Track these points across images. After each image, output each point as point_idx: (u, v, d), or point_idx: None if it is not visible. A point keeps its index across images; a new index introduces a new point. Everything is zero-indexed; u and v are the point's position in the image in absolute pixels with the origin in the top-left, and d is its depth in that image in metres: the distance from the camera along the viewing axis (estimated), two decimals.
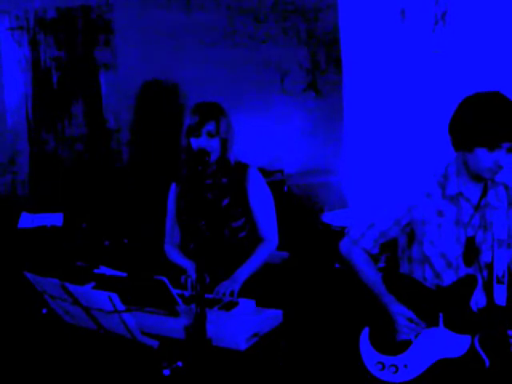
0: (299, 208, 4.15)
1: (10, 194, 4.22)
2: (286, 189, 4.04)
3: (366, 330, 2.47)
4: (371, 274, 2.49)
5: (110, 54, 4.15)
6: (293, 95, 4.28)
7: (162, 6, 4.13)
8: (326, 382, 2.83)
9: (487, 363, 2.28)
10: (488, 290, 2.42)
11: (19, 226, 3.69)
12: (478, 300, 2.40)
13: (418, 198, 2.42)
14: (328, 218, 3.82)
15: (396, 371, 2.38)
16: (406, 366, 2.38)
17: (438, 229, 2.41)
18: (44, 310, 2.45)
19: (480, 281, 2.37)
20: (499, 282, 2.37)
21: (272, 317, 2.42)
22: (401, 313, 2.39)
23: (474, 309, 2.34)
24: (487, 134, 2.21)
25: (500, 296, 2.37)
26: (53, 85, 4.16)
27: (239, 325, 2.29)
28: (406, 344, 2.40)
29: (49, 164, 4.22)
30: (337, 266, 3.63)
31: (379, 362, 2.41)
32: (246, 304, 2.47)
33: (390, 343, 2.42)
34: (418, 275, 2.48)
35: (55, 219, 3.71)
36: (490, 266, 2.41)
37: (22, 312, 2.90)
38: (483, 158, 2.25)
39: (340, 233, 3.63)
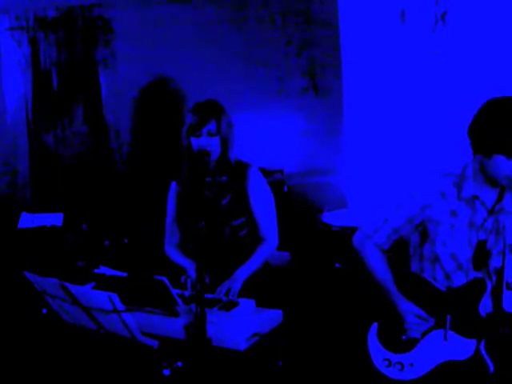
0: (299, 208, 4.15)
1: (10, 194, 4.21)
2: (286, 189, 4.04)
3: (375, 325, 2.48)
4: (382, 271, 2.48)
5: (110, 53, 4.15)
6: (293, 95, 4.27)
7: (162, 5, 4.13)
8: (326, 381, 2.84)
9: (491, 369, 2.28)
10: (496, 295, 2.40)
11: (19, 226, 3.69)
12: (486, 305, 2.39)
13: (432, 197, 2.40)
14: (328, 218, 3.82)
15: (402, 369, 2.39)
16: (411, 364, 2.39)
17: (451, 230, 2.40)
18: (44, 310, 2.45)
19: (489, 285, 2.36)
20: (509, 288, 2.35)
21: (272, 317, 2.42)
22: (410, 310, 2.39)
23: (483, 313, 2.34)
24: (506, 142, 2.16)
25: (509, 303, 2.35)
26: (52, 85, 4.16)
27: (239, 325, 2.29)
28: (413, 343, 2.40)
29: (49, 164, 4.22)
30: (337, 265, 3.63)
31: (386, 359, 2.42)
32: (246, 304, 2.47)
33: (398, 341, 2.42)
34: (429, 274, 2.48)
35: (55, 219, 3.71)
36: (499, 272, 2.39)
37: (22, 312, 2.90)
38: (501, 165, 2.21)
39: (340, 233, 3.64)
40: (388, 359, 2.42)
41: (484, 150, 2.24)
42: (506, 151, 2.18)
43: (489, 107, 2.26)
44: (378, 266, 2.49)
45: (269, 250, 2.97)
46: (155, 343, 2.19)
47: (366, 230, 2.53)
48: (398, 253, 2.63)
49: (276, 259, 3.10)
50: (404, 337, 2.42)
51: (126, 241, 3.76)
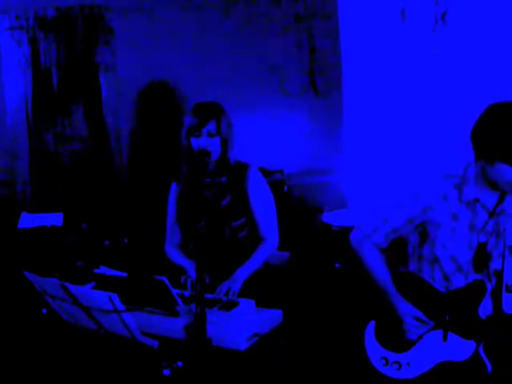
0: (299, 208, 4.15)
1: (10, 194, 4.21)
2: (286, 189, 4.04)
3: (372, 324, 2.47)
4: (381, 271, 2.47)
5: (110, 54, 4.15)
6: (293, 95, 4.27)
7: (161, 5, 4.13)
8: (326, 381, 2.83)
9: (489, 370, 2.28)
10: (495, 297, 2.40)
11: (19, 226, 3.69)
12: (485, 307, 2.39)
13: (433, 199, 2.39)
14: (328, 218, 3.83)
15: (399, 368, 2.39)
16: (408, 364, 2.39)
17: (452, 232, 2.39)
18: (44, 310, 2.44)
19: (489, 288, 2.36)
20: (508, 290, 2.35)
21: (272, 317, 2.42)
22: (409, 312, 2.38)
23: (482, 315, 2.34)
24: (510, 151, 2.14)
25: (509, 305, 2.34)
26: (52, 85, 4.16)
27: (239, 325, 2.29)
28: (411, 343, 2.40)
29: (49, 164, 4.22)
30: (337, 265, 3.63)
31: (383, 358, 2.42)
32: (246, 304, 2.47)
33: (396, 340, 2.42)
34: (427, 275, 2.47)
35: (55, 219, 3.71)
36: (499, 274, 2.39)
37: (22, 312, 2.90)
38: (504, 172, 2.19)
39: (340, 233, 3.64)
40: (385, 358, 2.42)
41: (487, 156, 2.22)
42: (510, 160, 2.16)
43: (492, 113, 2.23)
44: (377, 266, 2.48)
45: (269, 250, 2.97)
46: (155, 343, 2.19)
47: (365, 230, 2.52)
48: (396, 252, 2.63)
49: (276, 259, 3.09)
50: (403, 338, 2.42)
51: (126, 241, 3.76)
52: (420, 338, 2.39)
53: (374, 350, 2.45)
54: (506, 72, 3.66)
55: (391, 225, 2.47)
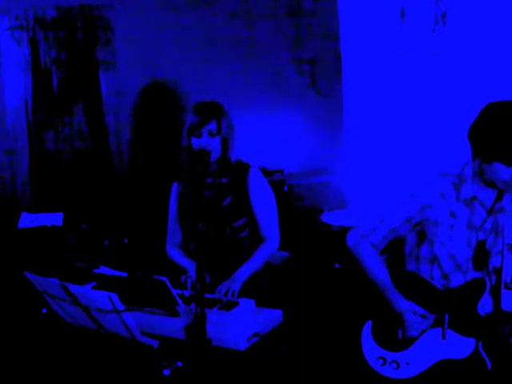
0: (299, 208, 4.15)
1: (10, 194, 4.21)
2: (286, 189, 4.04)
3: (369, 324, 2.47)
4: (378, 270, 2.47)
5: (110, 53, 4.15)
6: (293, 95, 4.28)
7: (162, 5, 4.13)
8: (326, 381, 2.83)
9: (489, 367, 2.28)
10: (495, 295, 2.40)
11: (19, 226, 3.69)
12: (484, 304, 2.39)
13: (431, 197, 2.40)
14: (328, 218, 3.83)
15: (397, 367, 2.38)
16: (407, 363, 2.38)
17: (450, 230, 2.40)
18: (44, 310, 2.44)
19: (488, 285, 2.36)
20: (507, 287, 2.35)
21: (272, 317, 2.43)
22: (408, 309, 2.38)
23: (481, 313, 2.34)
24: (506, 151, 2.15)
25: (508, 302, 2.35)
26: (53, 84, 4.16)
27: (239, 325, 2.29)
28: (409, 341, 2.40)
29: (49, 164, 4.22)
30: (337, 266, 3.63)
31: (380, 357, 2.42)
32: (246, 304, 2.47)
33: (393, 339, 2.42)
34: (425, 274, 2.47)
35: (55, 219, 3.71)
36: (498, 271, 2.39)
37: (22, 312, 2.90)
38: (500, 171, 2.20)
39: (340, 233, 3.64)
40: (383, 358, 2.42)
41: (483, 155, 2.23)
42: (506, 160, 2.17)
43: (489, 113, 2.24)
44: (375, 265, 2.48)
45: (270, 250, 2.97)
46: (155, 343, 2.19)
47: (362, 230, 2.53)
48: (394, 253, 2.63)
49: (276, 259, 3.09)
50: (400, 335, 2.42)
51: (126, 241, 3.76)
52: (422, 333, 2.38)
53: (371, 350, 2.45)
54: (505, 72, 3.66)
55: (388, 225, 2.48)
